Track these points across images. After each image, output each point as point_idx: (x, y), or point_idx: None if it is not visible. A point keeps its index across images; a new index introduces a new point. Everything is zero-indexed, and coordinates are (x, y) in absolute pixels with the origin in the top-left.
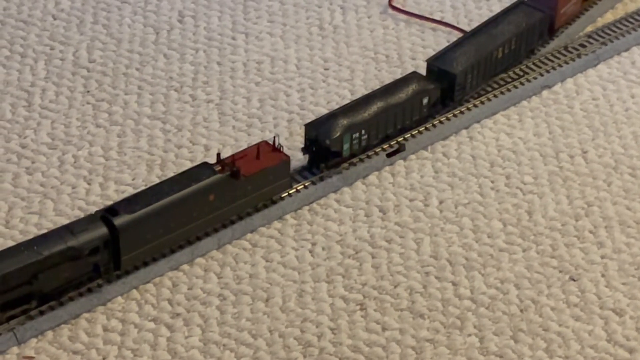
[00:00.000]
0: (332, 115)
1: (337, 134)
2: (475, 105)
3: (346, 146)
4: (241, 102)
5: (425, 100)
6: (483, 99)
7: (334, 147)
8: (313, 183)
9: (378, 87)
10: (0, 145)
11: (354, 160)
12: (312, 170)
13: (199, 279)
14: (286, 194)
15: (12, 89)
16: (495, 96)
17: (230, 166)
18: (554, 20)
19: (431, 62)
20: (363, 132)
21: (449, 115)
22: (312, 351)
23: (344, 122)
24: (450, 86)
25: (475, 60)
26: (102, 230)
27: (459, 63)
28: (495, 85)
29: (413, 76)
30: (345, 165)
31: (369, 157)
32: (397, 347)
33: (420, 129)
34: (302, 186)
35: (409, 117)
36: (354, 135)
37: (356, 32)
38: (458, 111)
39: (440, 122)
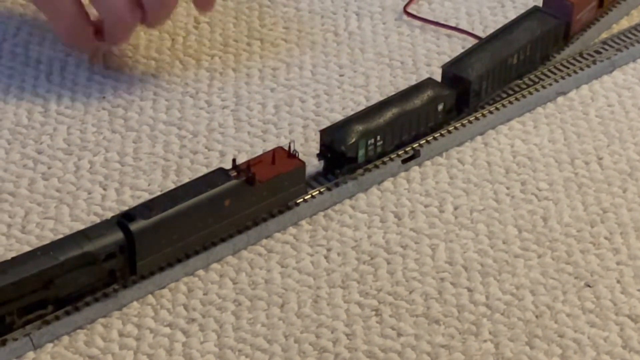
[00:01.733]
0: (348, 121)
1: (353, 140)
2: (490, 112)
3: (361, 152)
4: (256, 108)
5: (440, 107)
6: (498, 105)
7: (350, 153)
8: (328, 189)
9: (393, 93)
10: (16, 151)
11: (369, 166)
12: (327, 177)
13: (215, 284)
14: (301, 199)
15: (28, 95)
16: (510, 102)
17: (245, 172)
18: (570, 26)
19: (446, 68)
20: (378, 138)
21: (464, 122)
22: (328, 357)
23: (359, 128)
24: (465, 92)
25: (490, 67)
26: (118, 235)
27: (474, 69)
28: (511, 92)
29: (428, 82)
30: (361, 171)
31: (384, 163)
32: (412, 352)
33: (436, 135)
34: (318, 192)
35: (424, 123)
36: (369, 142)
37: (371, 39)
38: (473, 117)
39: (456, 128)
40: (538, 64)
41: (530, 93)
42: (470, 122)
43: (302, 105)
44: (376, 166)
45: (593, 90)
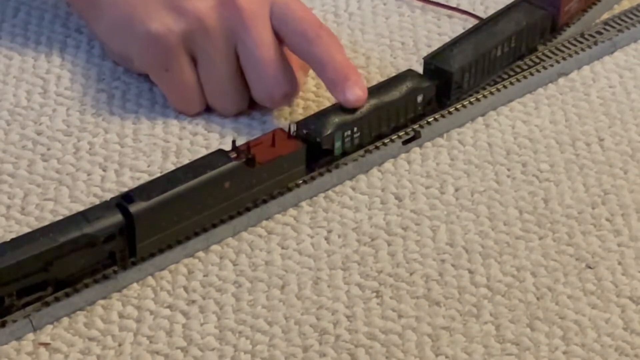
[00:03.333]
0: (324, 113)
1: (329, 132)
2: (491, 93)
3: (338, 144)
4: None
5: (419, 98)
6: (499, 86)
7: (325, 145)
8: (328, 171)
9: (394, 74)
10: (15, 132)
11: (370, 147)
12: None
13: (215, 266)
14: (302, 181)
15: (27, 76)
16: (511, 84)
17: (245, 153)
18: (557, 18)
19: (428, 60)
20: (355, 129)
21: (465, 103)
22: (328, 338)
23: (335, 119)
24: (446, 84)
25: (473, 59)
26: (118, 217)
27: (456, 61)
28: (512, 73)
29: (408, 74)
30: (361, 152)
31: (384, 144)
32: (413, 334)
33: (436, 116)
34: (318, 174)
35: (402, 115)
36: (345, 133)
37: (371, 20)
38: (474, 99)
39: (457, 109)
40: (524, 56)
41: (532, 74)
42: (471, 103)
43: (303, 86)
44: (376, 147)
45: (594, 71)
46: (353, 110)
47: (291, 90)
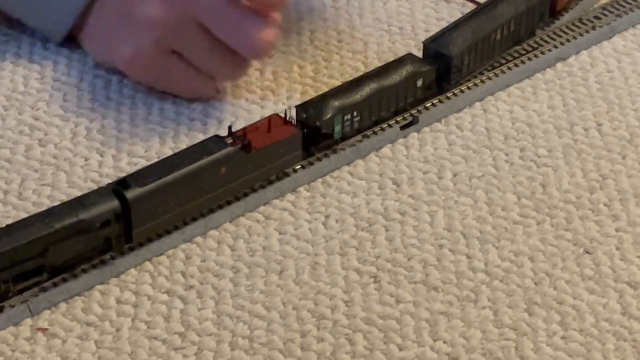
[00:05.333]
0: (324, 97)
1: (328, 116)
2: (489, 78)
3: (337, 128)
4: (254, 75)
5: (419, 82)
6: (497, 71)
7: (325, 129)
8: (326, 156)
9: (392, 59)
10: (13, 117)
11: (368, 132)
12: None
13: (212, 251)
14: (299, 166)
15: (24, 62)
16: (509, 69)
17: (241, 139)
18: (555, 2)
19: (427, 44)
20: (355, 113)
21: (462, 88)
22: (326, 323)
23: (335, 103)
24: (446, 68)
25: (472, 42)
26: (114, 203)
27: (456, 45)
28: (510, 58)
29: (408, 57)
30: (359, 137)
31: (382, 129)
32: (410, 319)
33: (434, 102)
34: (315, 159)
35: (402, 99)
36: (345, 117)
37: (369, 4)
38: (472, 84)
39: (454, 94)
40: (523, 40)
41: (530, 59)
42: (469, 88)
43: (300, 71)
44: (374, 132)
45: (592, 56)
46: (353, 93)
47: (268, 31)
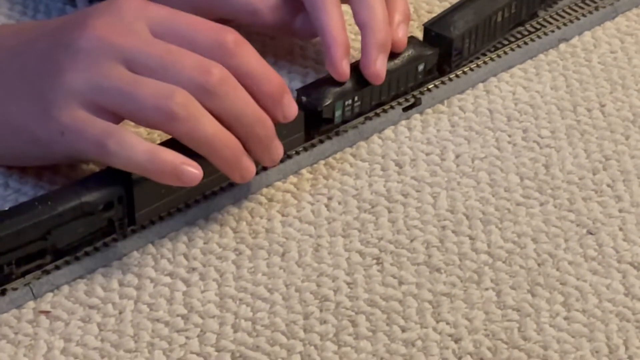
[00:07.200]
0: (324, 81)
1: (329, 101)
2: (491, 59)
3: (338, 113)
4: None
5: (421, 67)
6: (500, 52)
7: (326, 114)
8: (329, 138)
9: None
10: None
11: (370, 114)
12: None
13: (215, 233)
14: (302, 148)
15: None
16: (512, 49)
17: None
18: None
19: (428, 26)
20: (356, 98)
21: (465, 69)
22: (329, 305)
23: (336, 88)
24: (447, 51)
25: (473, 25)
26: (117, 185)
27: (457, 27)
28: (512, 39)
29: (410, 41)
30: (361, 119)
31: (385, 111)
32: (413, 301)
33: (437, 83)
34: (318, 141)
35: (403, 83)
36: (346, 102)
37: None
38: (475, 65)
39: (457, 75)
40: (524, 22)
41: (532, 40)
42: (471, 69)
43: (303, 53)
44: (377, 114)
45: (596, 37)
46: (353, 78)
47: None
